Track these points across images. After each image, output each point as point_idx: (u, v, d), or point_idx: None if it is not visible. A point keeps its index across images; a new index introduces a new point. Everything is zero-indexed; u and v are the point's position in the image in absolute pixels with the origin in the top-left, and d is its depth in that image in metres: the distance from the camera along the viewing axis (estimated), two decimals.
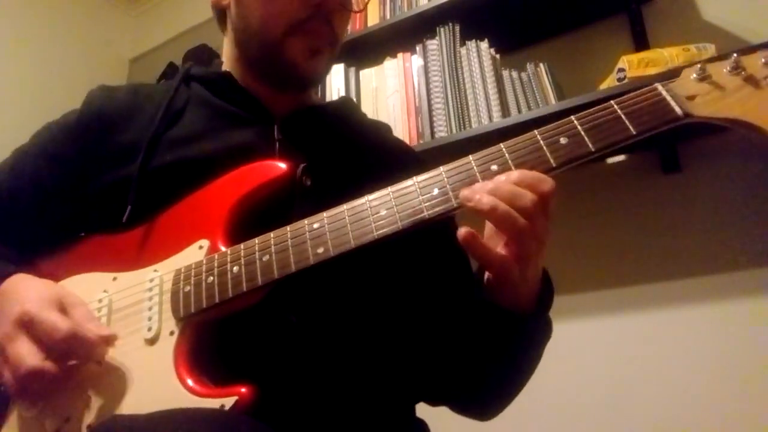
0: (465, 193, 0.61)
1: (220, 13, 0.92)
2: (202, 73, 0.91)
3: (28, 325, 0.63)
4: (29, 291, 0.67)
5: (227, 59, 0.92)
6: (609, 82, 1.49)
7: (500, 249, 0.63)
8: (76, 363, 0.64)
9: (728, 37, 1.56)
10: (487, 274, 0.68)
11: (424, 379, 0.82)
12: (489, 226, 0.67)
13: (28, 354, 0.61)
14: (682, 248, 1.51)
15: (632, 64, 1.42)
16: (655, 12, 1.70)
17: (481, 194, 0.60)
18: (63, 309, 0.65)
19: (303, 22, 0.80)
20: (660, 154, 1.58)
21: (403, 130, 1.66)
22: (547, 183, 0.61)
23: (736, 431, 1.34)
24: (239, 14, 0.85)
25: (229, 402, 0.59)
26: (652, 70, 1.39)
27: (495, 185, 0.60)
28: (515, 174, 0.60)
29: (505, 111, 1.56)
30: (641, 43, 1.66)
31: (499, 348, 0.71)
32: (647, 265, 1.54)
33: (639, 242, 1.56)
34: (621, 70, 1.44)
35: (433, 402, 0.85)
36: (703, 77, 0.60)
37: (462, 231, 0.60)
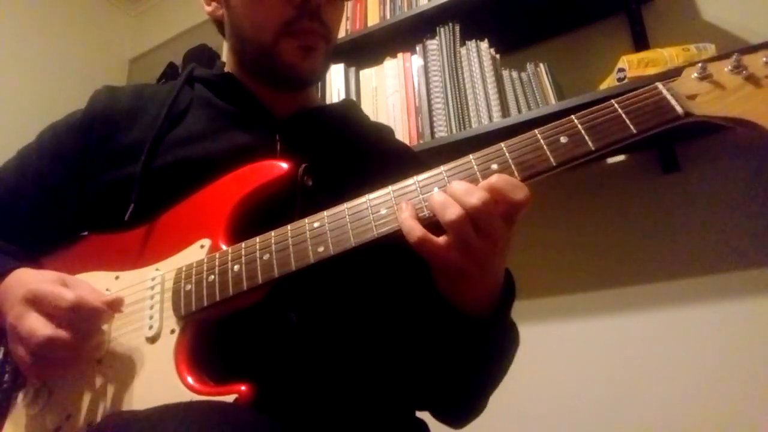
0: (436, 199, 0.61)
1: (219, 23, 0.93)
2: (205, 74, 0.91)
3: (35, 301, 0.65)
4: (33, 276, 0.70)
5: (228, 63, 0.93)
6: (609, 82, 1.50)
7: (441, 238, 0.62)
8: (86, 334, 0.66)
9: (728, 37, 1.56)
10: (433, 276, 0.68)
11: (411, 382, 0.82)
12: None
13: (39, 326, 0.63)
14: (681, 248, 1.51)
15: (632, 64, 1.43)
16: (655, 12, 1.70)
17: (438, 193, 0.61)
18: (65, 285, 0.68)
19: (291, 22, 0.80)
20: (659, 154, 1.59)
21: (403, 130, 1.66)
22: (519, 192, 0.59)
23: (736, 431, 1.35)
24: (232, 23, 0.87)
25: (228, 400, 0.59)
26: (652, 70, 1.39)
27: (457, 183, 0.61)
28: (493, 177, 0.60)
29: (505, 111, 1.56)
30: (641, 43, 1.66)
31: (452, 350, 0.71)
32: (647, 265, 1.54)
33: (638, 242, 1.56)
34: (621, 70, 1.44)
35: (418, 407, 0.85)
36: (704, 76, 0.60)
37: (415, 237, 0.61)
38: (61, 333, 0.63)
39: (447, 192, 0.60)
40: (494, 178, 0.60)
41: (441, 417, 0.83)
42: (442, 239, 0.60)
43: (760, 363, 1.35)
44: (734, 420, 1.35)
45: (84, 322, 0.65)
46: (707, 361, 1.41)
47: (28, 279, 0.69)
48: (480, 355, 0.72)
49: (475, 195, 0.58)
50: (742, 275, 1.43)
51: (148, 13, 3.22)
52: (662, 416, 1.42)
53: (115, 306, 0.68)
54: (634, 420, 1.45)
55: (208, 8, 0.92)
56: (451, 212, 0.59)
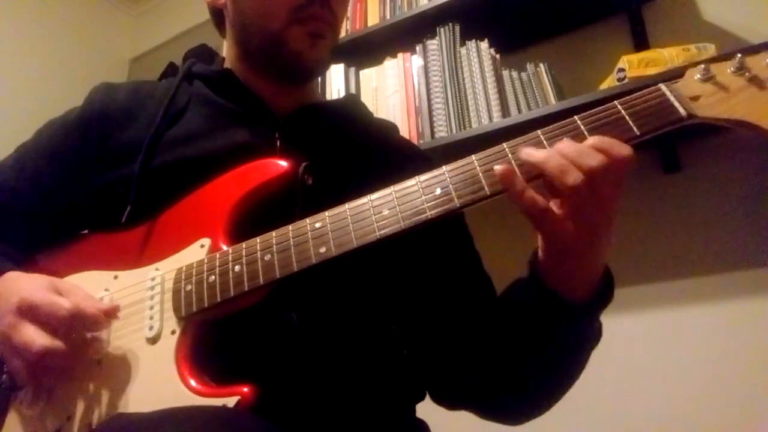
0: (526, 149, 0.58)
1: (218, 14, 0.92)
2: (204, 70, 0.91)
3: (29, 312, 0.64)
4: (25, 282, 0.69)
5: (228, 58, 0.92)
6: (609, 82, 1.49)
7: (557, 210, 0.58)
8: (83, 342, 0.66)
9: (728, 37, 1.56)
10: (539, 252, 0.63)
11: (438, 380, 0.81)
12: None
13: (35, 336, 0.62)
14: (681, 248, 1.51)
15: (632, 64, 1.42)
16: (655, 12, 1.70)
17: (537, 150, 0.57)
18: (59, 293, 0.66)
19: (302, 8, 0.80)
20: (660, 154, 1.58)
21: (403, 130, 1.66)
22: (624, 148, 0.56)
23: (737, 431, 1.34)
24: (237, 10, 0.85)
25: (231, 402, 0.59)
26: (652, 70, 1.39)
27: (562, 144, 0.57)
28: (591, 139, 0.57)
29: (505, 111, 1.56)
30: (641, 43, 1.66)
31: (541, 340, 0.66)
32: (647, 265, 1.54)
33: (639, 242, 1.56)
34: (621, 70, 1.44)
35: (454, 405, 0.82)
36: (707, 78, 0.60)
37: (499, 168, 0.57)
38: (58, 343, 0.62)
39: (557, 152, 0.56)
40: (594, 140, 0.57)
41: (495, 413, 0.79)
42: (559, 211, 0.57)
43: (760, 363, 1.35)
44: (734, 420, 1.35)
45: (81, 330, 0.65)
46: (707, 361, 1.41)
47: (19, 286, 0.68)
48: (566, 347, 0.67)
49: (592, 156, 0.55)
50: (742, 275, 1.42)
51: (148, 13, 3.22)
52: (662, 416, 1.42)
53: (111, 314, 0.67)
54: (634, 420, 1.45)
55: None
56: (574, 177, 0.55)
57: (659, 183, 1.58)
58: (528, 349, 0.68)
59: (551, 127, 0.61)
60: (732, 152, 1.50)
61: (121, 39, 3.14)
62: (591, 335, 0.68)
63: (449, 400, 0.83)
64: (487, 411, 0.80)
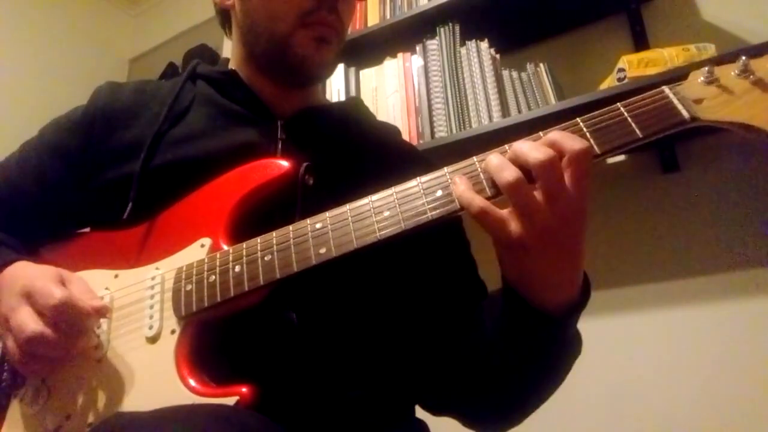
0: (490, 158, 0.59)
1: (224, 14, 0.92)
2: (208, 71, 0.91)
3: (28, 296, 0.66)
4: (32, 270, 0.70)
5: (233, 59, 0.92)
6: (609, 82, 1.49)
7: (505, 210, 0.57)
8: (74, 334, 0.66)
9: (728, 37, 1.56)
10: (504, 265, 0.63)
11: (425, 385, 0.81)
12: None
13: (28, 320, 0.64)
14: (681, 248, 1.51)
15: (632, 64, 1.43)
16: (655, 12, 1.70)
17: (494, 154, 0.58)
18: (62, 283, 0.68)
19: (309, 12, 0.80)
20: (659, 154, 1.59)
21: (403, 130, 1.66)
22: (576, 142, 0.55)
23: (736, 431, 1.35)
24: (245, 12, 0.85)
25: (230, 402, 0.59)
26: (652, 70, 1.39)
27: (519, 142, 0.57)
28: (550, 133, 0.57)
29: (505, 111, 1.56)
30: (641, 43, 1.66)
31: (513, 351, 0.65)
32: (646, 265, 1.54)
33: (638, 242, 1.56)
34: (621, 70, 1.44)
35: (437, 411, 0.82)
36: (711, 80, 0.59)
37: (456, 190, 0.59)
38: (48, 331, 0.63)
39: (509, 151, 0.57)
40: (549, 135, 0.57)
41: (475, 421, 0.79)
42: (505, 210, 0.57)
43: (760, 363, 1.35)
44: (734, 420, 1.35)
45: (70, 322, 0.66)
46: (707, 361, 1.41)
47: (27, 272, 0.70)
48: (540, 357, 0.65)
49: (535, 151, 0.54)
50: (742, 275, 1.43)
51: (148, 13, 3.22)
52: (662, 416, 1.42)
53: (101, 313, 0.68)
54: (634, 420, 1.45)
55: None
56: (509, 173, 0.54)
57: (658, 183, 1.58)
58: (497, 352, 0.68)
59: (554, 128, 0.61)
60: (731, 152, 1.50)
61: (121, 39, 3.14)
62: (564, 343, 0.66)
63: (434, 407, 0.83)
64: (467, 418, 0.79)
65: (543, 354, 0.65)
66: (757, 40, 1.41)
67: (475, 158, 0.62)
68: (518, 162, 0.56)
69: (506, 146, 0.60)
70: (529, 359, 0.66)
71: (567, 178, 0.55)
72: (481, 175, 0.60)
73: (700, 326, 1.45)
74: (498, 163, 0.56)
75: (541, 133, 0.61)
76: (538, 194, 0.55)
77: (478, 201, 0.57)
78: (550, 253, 0.57)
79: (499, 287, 0.68)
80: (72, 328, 0.66)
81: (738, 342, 1.39)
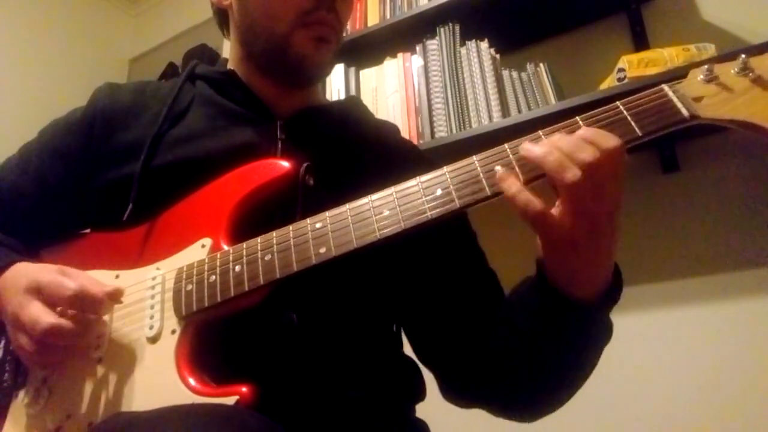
0: (525, 145, 0.58)
1: (222, 14, 0.92)
2: (207, 71, 0.91)
3: (38, 291, 0.66)
4: (33, 268, 0.71)
5: (231, 59, 0.92)
6: (609, 82, 1.50)
7: (554, 209, 0.57)
8: (88, 322, 0.67)
9: (728, 37, 1.56)
10: (540, 251, 0.63)
11: (447, 378, 0.81)
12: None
13: (42, 313, 0.64)
14: (681, 248, 1.51)
15: (632, 64, 1.43)
16: (655, 12, 1.70)
17: (535, 144, 0.57)
18: (67, 276, 0.68)
19: (309, 12, 0.80)
20: (659, 154, 1.59)
21: (403, 129, 1.65)
22: (612, 139, 0.56)
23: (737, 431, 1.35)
24: (243, 12, 0.85)
25: (229, 402, 0.59)
26: (652, 70, 1.39)
27: (556, 137, 0.57)
28: (581, 130, 0.57)
29: (505, 111, 1.56)
30: (641, 43, 1.66)
31: (548, 337, 0.66)
32: (646, 265, 1.54)
33: (638, 242, 1.56)
34: (621, 70, 1.44)
35: (466, 403, 0.82)
36: (711, 78, 0.59)
37: (498, 170, 0.58)
38: (64, 321, 0.64)
39: (554, 147, 0.56)
40: (585, 131, 0.56)
41: (509, 410, 0.78)
42: (557, 209, 0.57)
43: (760, 363, 1.35)
44: (734, 420, 1.35)
45: (86, 310, 0.66)
46: (707, 361, 1.41)
47: (29, 270, 0.70)
48: (578, 346, 0.66)
49: (586, 150, 0.54)
50: (742, 275, 1.43)
51: (148, 13, 3.22)
52: (662, 416, 1.42)
53: (115, 297, 0.69)
54: (634, 420, 1.45)
55: None
56: (572, 173, 0.54)
57: (658, 183, 1.58)
58: (536, 347, 0.68)
59: (553, 127, 0.61)
60: (731, 152, 1.50)
61: (121, 39, 3.14)
62: (600, 332, 0.67)
63: (462, 399, 0.82)
64: (498, 408, 0.79)
65: (578, 342, 0.66)
66: (757, 40, 1.42)
67: (507, 146, 0.61)
68: (574, 160, 0.55)
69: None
70: (569, 348, 0.67)
71: (608, 170, 0.55)
72: (516, 168, 0.59)
73: (700, 326, 1.45)
74: (558, 161, 0.55)
75: (540, 132, 0.61)
76: (588, 192, 0.55)
77: (536, 203, 0.56)
78: (594, 248, 0.58)
79: (524, 279, 0.69)
80: (86, 316, 0.67)
81: (738, 342, 1.39)
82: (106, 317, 0.71)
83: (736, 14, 1.58)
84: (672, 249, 1.52)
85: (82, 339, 0.67)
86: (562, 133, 0.58)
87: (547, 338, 0.66)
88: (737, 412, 1.35)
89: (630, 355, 1.50)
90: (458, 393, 0.82)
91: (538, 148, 0.57)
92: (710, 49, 1.40)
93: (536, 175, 0.58)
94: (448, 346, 0.80)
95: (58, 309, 0.65)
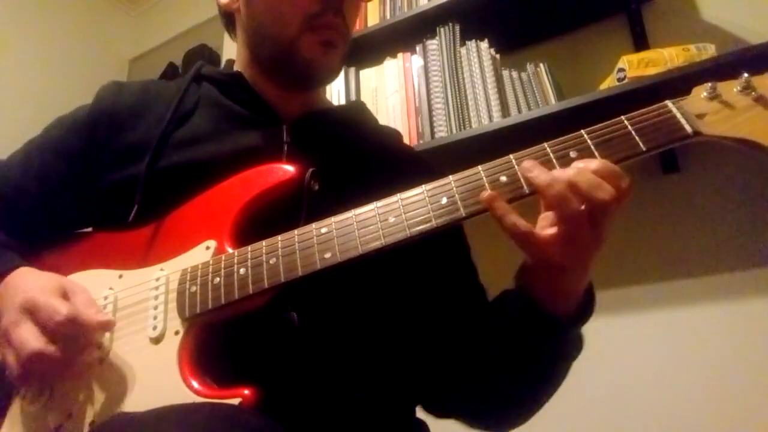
0: (527, 164, 0.59)
1: (229, 17, 0.91)
2: (214, 73, 0.90)
3: (32, 311, 0.65)
4: (34, 280, 0.69)
5: (238, 61, 0.92)
6: (609, 82, 1.49)
7: (546, 230, 0.59)
8: (78, 348, 0.66)
9: (728, 37, 1.56)
10: (525, 266, 0.65)
11: (428, 388, 0.82)
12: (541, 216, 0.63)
13: (30, 337, 0.63)
14: (681, 248, 1.51)
15: (632, 64, 1.42)
16: (655, 12, 1.70)
17: (541, 171, 0.58)
18: (65, 295, 0.67)
19: (316, 16, 0.79)
20: (659, 155, 1.58)
21: (403, 130, 1.66)
22: (626, 180, 0.58)
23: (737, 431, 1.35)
24: (250, 15, 0.85)
25: (233, 404, 0.59)
26: (652, 70, 1.39)
27: (572, 170, 0.58)
28: (595, 162, 0.58)
29: (505, 111, 1.56)
30: (641, 43, 1.66)
31: (523, 354, 0.68)
32: (646, 266, 1.55)
33: (638, 242, 1.56)
34: (621, 70, 1.44)
35: (441, 414, 0.83)
36: (714, 96, 0.60)
37: (485, 194, 0.59)
38: (51, 348, 0.63)
39: (563, 180, 0.57)
40: (603, 166, 0.58)
41: (480, 421, 0.80)
42: (548, 233, 0.59)
43: (760, 363, 1.36)
44: (734, 420, 1.35)
45: (76, 337, 0.65)
46: (707, 361, 1.42)
47: (28, 284, 0.68)
48: (551, 359, 0.69)
49: (604, 190, 0.57)
50: (742, 275, 1.43)
51: (148, 13, 3.21)
52: (662, 416, 1.42)
53: (105, 327, 0.68)
54: (634, 420, 1.45)
55: (223, 0, 0.90)
56: (573, 207, 0.56)
57: (658, 183, 1.58)
58: (511, 360, 0.70)
59: (558, 140, 0.62)
60: (731, 153, 1.50)
61: (121, 39, 3.14)
62: (572, 347, 0.70)
63: (437, 410, 0.83)
64: (473, 420, 0.80)
65: (554, 356, 0.69)
66: (757, 40, 1.41)
67: (512, 157, 0.62)
68: (582, 194, 0.57)
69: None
70: (541, 362, 0.69)
71: (613, 211, 0.59)
72: (522, 180, 0.60)
73: (700, 326, 1.45)
74: (562, 193, 0.57)
75: (545, 145, 0.62)
76: (588, 225, 0.58)
77: (522, 226, 0.58)
78: (580, 270, 0.62)
79: (501, 292, 0.71)
80: (75, 342, 0.65)
81: (738, 342, 1.40)
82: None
83: (736, 14, 1.58)
84: (672, 249, 1.52)
85: (69, 365, 0.65)
86: (579, 167, 0.58)
87: (522, 350, 0.68)
88: (738, 413, 1.35)
89: (630, 356, 1.50)
90: (433, 403, 0.83)
91: (543, 176, 0.58)
92: (710, 49, 1.40)
93: (521, 195, 0.60)
94: (427, 356, 0.80)
95: (49, 334, 0.63)
